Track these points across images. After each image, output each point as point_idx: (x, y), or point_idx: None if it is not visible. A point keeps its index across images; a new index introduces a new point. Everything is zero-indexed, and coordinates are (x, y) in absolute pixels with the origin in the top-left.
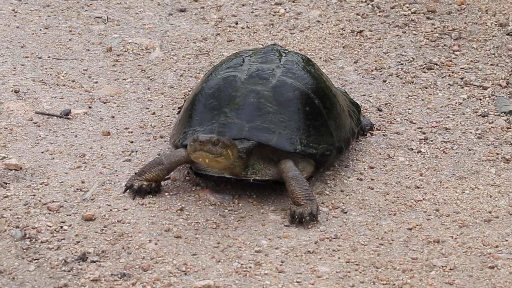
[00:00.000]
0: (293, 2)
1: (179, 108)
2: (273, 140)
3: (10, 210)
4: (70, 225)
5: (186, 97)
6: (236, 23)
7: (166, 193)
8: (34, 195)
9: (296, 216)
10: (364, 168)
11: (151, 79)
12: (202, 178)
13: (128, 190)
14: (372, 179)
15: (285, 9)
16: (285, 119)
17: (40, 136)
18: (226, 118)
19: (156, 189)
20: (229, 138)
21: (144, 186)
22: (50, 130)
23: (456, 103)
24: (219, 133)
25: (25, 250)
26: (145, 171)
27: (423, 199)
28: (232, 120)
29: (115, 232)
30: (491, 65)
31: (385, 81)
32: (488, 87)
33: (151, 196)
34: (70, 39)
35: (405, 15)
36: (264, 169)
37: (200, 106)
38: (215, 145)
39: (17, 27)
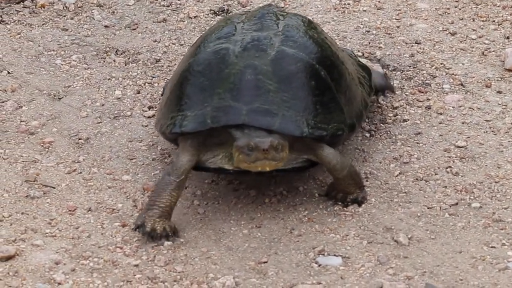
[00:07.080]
0: None
1: (164, 87)
2: (276, 124)
3: None
4: None
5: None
6: None
7: None
8: None
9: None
10: None
11: None
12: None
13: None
14: None
15: None
16: (288, 98)
17: None
18: (220, 100)
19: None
20: (281, 135)
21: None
22: None
23: None
24: (213, 118)
25: None
26: (154, 201)
27: None
28: (227, 102)
29: None
30: None
31: None
32: None
33: None
34: None
35: None
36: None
37: (188, 87)
38: (277, 149)
39: None
